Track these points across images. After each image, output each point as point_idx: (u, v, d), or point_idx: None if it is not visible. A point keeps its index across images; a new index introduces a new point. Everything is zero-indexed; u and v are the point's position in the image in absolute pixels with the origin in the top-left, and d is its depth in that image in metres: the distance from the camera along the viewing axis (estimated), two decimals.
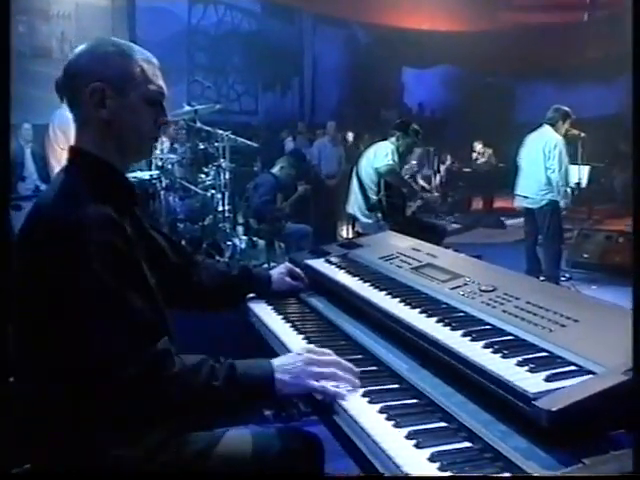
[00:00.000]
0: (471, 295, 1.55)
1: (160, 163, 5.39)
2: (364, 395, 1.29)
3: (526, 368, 1.16)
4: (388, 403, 1.24)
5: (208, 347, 1.42)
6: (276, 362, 1.35)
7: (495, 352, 1.25)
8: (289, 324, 1.74)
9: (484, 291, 1.54)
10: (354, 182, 5.64)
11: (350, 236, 6.12)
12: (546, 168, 5.42)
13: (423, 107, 15.73)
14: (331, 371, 1.32)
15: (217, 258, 4.98)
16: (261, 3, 12.66)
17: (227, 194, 5.44)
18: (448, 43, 13.71)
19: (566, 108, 5.59)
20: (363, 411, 1.22)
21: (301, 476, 1.43)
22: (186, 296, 1.79)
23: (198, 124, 5.51)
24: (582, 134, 5.89)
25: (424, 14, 14.07)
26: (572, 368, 1.14)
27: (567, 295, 1.90)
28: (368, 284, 1.80)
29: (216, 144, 5.46)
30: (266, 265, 4.95)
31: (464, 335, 1.34)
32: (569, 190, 5.65)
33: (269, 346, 1.65)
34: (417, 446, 1.08)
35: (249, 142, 5.96)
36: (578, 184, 6.40)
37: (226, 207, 5.41)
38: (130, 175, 4.18)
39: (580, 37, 13.28)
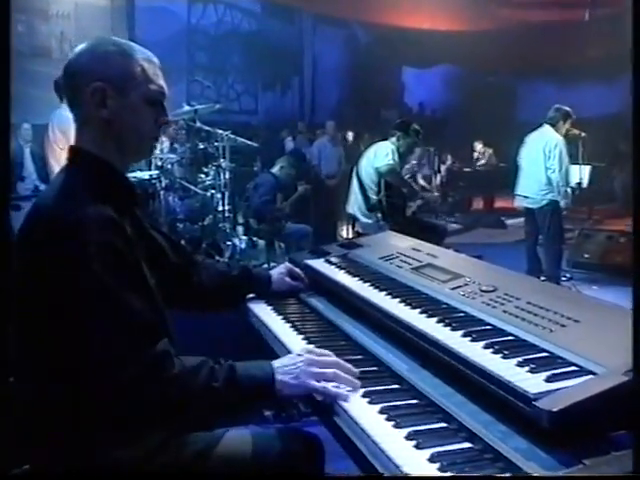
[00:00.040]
0: (471, 295, 1.55)
1: (160, 163, 5.38)
2: (364, 396, 1.29)
3: (527, 368, 1.16)
4: (388, 404, 1.24)
5: (208, 347, 1.42)
6: (276, 363, 1.35)
7: (495, 352, 1.25)
8: (289, 324, 1.74)
9: (484, 291, 1.54)
10: (354, 182, 5.64)
11: (350, 236, 6.11)
12: (546, 168, 5.41)
13: (423, 107, 15.70)
14: (332, 372, 1.32)
15: (217, 258, 4.97)
16: (261, 3, 12.65)
17: (227, 194, 5.43)
18: (448, 42, 13.67)
19: (567, 108, 5.58)
20: (363, 412, 1.22)
21: (301, 477, 1.43)
22: (186, 296, 1.79)
23: (198, 124, 5.50)
24: (583, 134, 5.88)
25: (424, 13, 14.03)
26: (573, 368, 1.14)
27: (568, 295, 1.89)
28: (368, 284, 1.80)
29: (216, 144, 5.45)
30: (266, 265, 4.95)
31: (464, 335, 1.34)
32: (569, 190, 5.64)
33: (269, 346, 1.66)
34: (417, 447, 1.08)
35: (249, 142, 5.95)
36: (579, 184, 6.39)
37: (226, 207, 5.40)
38: (130, 175, 4.17)
39: (581, 36, 13.23)
